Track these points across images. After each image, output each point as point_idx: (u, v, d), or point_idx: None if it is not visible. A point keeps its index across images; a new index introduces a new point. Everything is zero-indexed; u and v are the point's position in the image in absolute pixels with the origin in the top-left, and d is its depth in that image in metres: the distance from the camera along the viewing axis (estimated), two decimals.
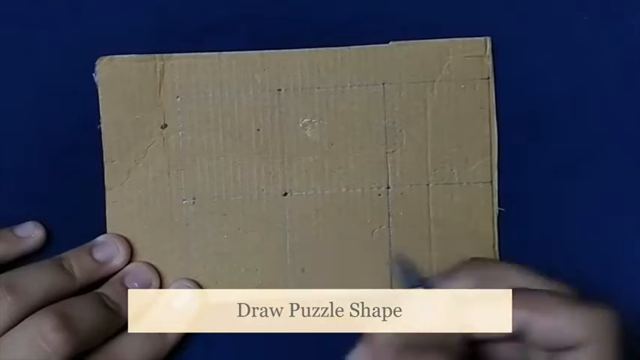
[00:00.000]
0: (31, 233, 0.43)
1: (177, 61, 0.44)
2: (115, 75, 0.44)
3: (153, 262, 0.44)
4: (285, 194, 0.45)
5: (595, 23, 0.45)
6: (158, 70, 0.44)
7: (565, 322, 0.35)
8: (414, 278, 0.40)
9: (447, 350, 0.34)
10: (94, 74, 0.44)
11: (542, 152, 0.45)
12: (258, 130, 0.44)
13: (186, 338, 0.44)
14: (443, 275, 0.38)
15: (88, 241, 0.44)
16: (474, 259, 0.39)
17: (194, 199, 0.44)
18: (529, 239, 0.46)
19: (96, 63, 0.44)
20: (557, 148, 0.45)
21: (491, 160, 0.45)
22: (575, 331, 0.35)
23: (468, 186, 0.45)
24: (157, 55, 0.44)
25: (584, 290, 0.45)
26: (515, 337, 0.35)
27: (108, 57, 0.44)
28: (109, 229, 0.44)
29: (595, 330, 0.35)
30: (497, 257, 0.45)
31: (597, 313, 0.35)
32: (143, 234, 0.44)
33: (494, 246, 0.45)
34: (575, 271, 0.46)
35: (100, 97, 0.44)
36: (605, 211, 0.46)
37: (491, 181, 0.45)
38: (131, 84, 0.44)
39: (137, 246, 0.44)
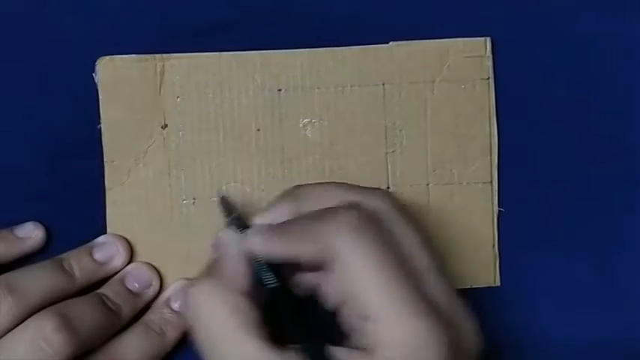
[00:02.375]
0: (31, 234, 0.43)
1: (178, 61, 0.44)
2: (115, 75, 0.44)
3: (153, 263, 0.44)
4: None
5: (595, 23, 0.45)
6: (158, 70, 0.44)
7: (308, 242, 0.35)
8: (234, 217, 0.39)
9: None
10: (94, 74, 0.44)
11: (542, 152, 0.45)
12: (259, 130, 0.44)
13: (186, 338, 0.44)
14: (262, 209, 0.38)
15: (88, 241, 0.44)
16: (295, 187, 0.39)
17: (194, 199, 0.44)
18: (529, 239, 0.46)
19: (96, 63, 0.44)
20: (557, 148, 0.45)
21: (491, 160, 0.45)
22: (316, 246, 0.35)
23: (468, 186, 0.45)
24: (157, 55, 0.44)
25: (583, 290, 0.46)
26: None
27: (108, 57, 0.44)
28: (109, 229, 0.44)
29: (331, 236, 0.34)
30: (497, 257, 0.45)
31: (331, 219, 0.35)
32: (143, 234, 0.44)
33: (493, 246, 0.45)
34: (574, 271, 0.46)
35: (100, 97, 0.44)
36: (605, 210, 0.46)
37: (491, 182, 0.45)
38: (131, 84, 0.44)
39: (137, 246, 0.44)
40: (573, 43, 0.45)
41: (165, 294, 0.44)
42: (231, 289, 0.36)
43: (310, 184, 0.39)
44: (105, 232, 0.44)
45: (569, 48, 0.45)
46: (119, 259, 0.43)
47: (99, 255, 0.43)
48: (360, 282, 0.34)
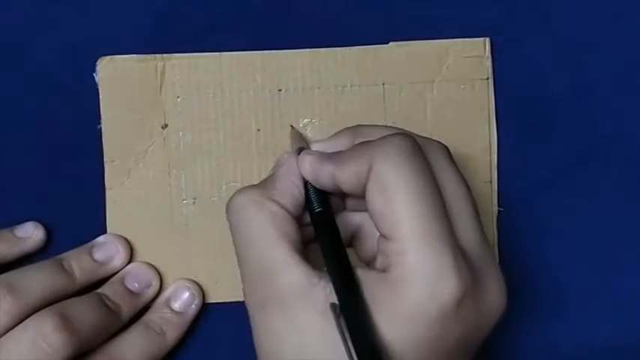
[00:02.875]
0: (31, 233, 0.43)
1: (178, 61, 0.44)
2: (116, 75, 0.44)
3: (153, 262, 0.44)
4: None
5: (595, 23, 0.45)
6: (159, 70, 0.44)
7: (352, 163, 0.36)
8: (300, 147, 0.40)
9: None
10: (94, 74, 0.44)
11: (542, 152, 0.46)
12: (259, 130, 0.44)
13: (186, 338, 0.44)
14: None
15: (88, 241, 0.44)
16: (357, 125, 0.39)
17: (194, 199, 0.44)
18: (529, 239, 0.46)
19: (97, 63, 0.44)
20: (557, 147, 0.46)
21: (490, 160, 0.45)
22: (361, 166, 0.35)
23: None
24: (157, 55, 0.44)
25: (584, 291, 0.46)
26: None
27: (108, 57, 0.44)
28: (109, 229, 0.44)
29: (373, 156, 0.35)
30: (497, 257, 0.45)
31: (376, 142, 0.35)
32: (143, 234, 0.44)
33: (493, 246, 0.45)
34: (574, 271, 0.46)
35: (100, 97, 0.44)
36: (605, 210, 0.46)
37: (491, 181, 0.45)
38: (132, 84, 0.44)
39: (137, 246, 0.44)
40: (573, 43, 0.45)
41: (165, 294, 0.44)
42: (280, 203, 0.36)
43: (372, 124, 0.39)
44: (105, 232, 0.44)
45: (569, 48, 0.45)
46: (119, 259, 0.43)
47: (99, 255, 0.43)
48: (395, 203, 0.34)
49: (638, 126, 0.46)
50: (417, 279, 0.33)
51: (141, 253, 0.44)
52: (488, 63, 0.45)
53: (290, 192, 0.37)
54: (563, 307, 0.46)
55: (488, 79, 0.45)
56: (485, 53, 0.44)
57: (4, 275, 0.41)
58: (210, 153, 0.44)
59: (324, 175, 0.37)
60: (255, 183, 0.43)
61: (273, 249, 0.35)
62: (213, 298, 0.45)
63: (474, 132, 0.45)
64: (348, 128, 0.39)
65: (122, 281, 0.43)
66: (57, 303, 0.40)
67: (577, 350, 0.46)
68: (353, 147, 0.37)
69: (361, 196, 0.36)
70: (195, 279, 0.44)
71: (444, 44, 0.44)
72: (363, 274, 0.34)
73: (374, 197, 0.34)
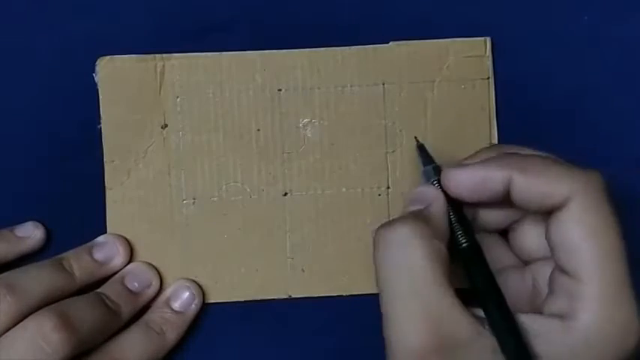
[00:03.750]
0: (31, 233, 0.43)
1: (178, 61, 0.44)
2: (116, 75, 0.44)
3: (153, 262, 0.44)
4: (285, 194, 0.45)
5: (595, 23, 0.45)
6: (158, 70, 0.44)
7: (546, 179, 0.35)
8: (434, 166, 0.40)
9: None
10: (94, 74, 0.44)
11: (542, 151, 0.45)
12: (259, 130, 0.44)
13: (186, 338, 0.44)
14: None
15: (88, 241, 0.44)
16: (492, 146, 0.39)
17: (194, 199, 0.44)
18: None
19: (96, 63, 0.44)
20: (557, 148, 0.45)
21: None
22: (558, 186, 0.34)
23: None
24: (157, 55, 0.44)
25: None
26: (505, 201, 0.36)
27: (108, 57, 0.44)
28: (109, 229, 0.44)
29: (578, 183, 0.34)
30: None
31: (579, 171, 0.35)
32: (143, 234, 0.44)
33: None
34: None
35: (100, 97, 0.44)
36: None
37: None
38: (131, 84, 0.44)
39: (137, 246, 0.44)
40: (574, 42, 0.45)
41: (166, 293, 0.44)
42: (436, 236, 0.35)
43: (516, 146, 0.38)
44: (105, 232, 0.44)
45: (570, 48, 0.45)
46: (119, 258, 0.43)
47: (99, 255, 0.43)
48: (588, 238, 0.33)
49: (638, 126, 0.46)
50: (610, 330, 0.32)
51: (141, 252, 0.44)
52: (489, 63, 0.44)
53: (444, 227, 0.36)
54: None
55: (488, 78, 0.44)
56: (485, 53, 0.44)
57: (3, 275, 0.41)
58: (210, 153, 0.44)
59: (498, 182, 0.35)
60: (255, 182, 0.44)
61: (441, 293, 0.34)
62: (213, 298, 0.45)
63: (474, 132, 0.45)
64: (493, 147, 0.38)
65: (122, 281, 0.43)
66: (56, 303, 0.40)
67: None
68: (543, 161, 0.36)
69: (518, 211, 0.36)
70: (195, 279, 0.44)
71: (445, 44, 0.44)
72: (531, 321, 0.33)
73: (569, 230, 0.34)
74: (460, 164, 0.38)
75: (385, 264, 0.35)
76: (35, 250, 0.44)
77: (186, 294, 0.44)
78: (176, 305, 0.44)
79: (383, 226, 0.36)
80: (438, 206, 0.37)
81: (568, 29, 0.45)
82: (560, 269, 0.35)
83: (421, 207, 0.37)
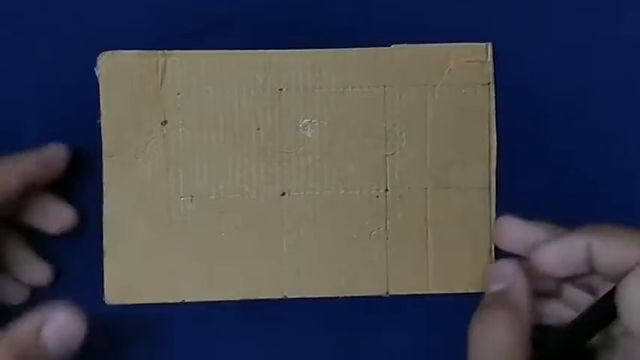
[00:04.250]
0: (57, 152, 0.42)
1: (179, 57, 0.44)
2: (117, 70, 0.44)
3: (149, 259, 0.44)
4: (284, 194, 0.44)
5: (597, 29, 0.45)
6: (160, 66, 0.44)
7: (623, 241, 0.36)
8: None
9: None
10: (95, 69, 0.44)
11: (542, 159, 0.45)
12: (258, 129, 0.44)
13: (187, 338, 0.44)
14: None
15: (86, 234, 0.44)
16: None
17: (192, 196, 0.44)
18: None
19: (97, 58, 0.44)
20: (557, 154, 0.45)
21: (489, 165, 0.45)
22: (633, 247, 0.36)
23: (466, 190, 0.45)
24: (158, 52, 0.44)
25: None
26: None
27: (110, 52, 0.44)
28: (105, 224, 0.44)
29: None
30: (494, 261, 0.45)
31: None
32: (141, 230, 0.44)
33: (490, 251, 0.45)
34: None
35: (100, 91, 0.44)
36: (606, 219, 0.46)
37: (489, 187, 0.45)
38: (132, 80, 0.44)
39: (133, 242, 0.44)
40: (575, 49, 0.45)
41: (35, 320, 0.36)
42: (525, 322, 0.37)
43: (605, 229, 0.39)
44: (102, 227, 0.44)
45: (571, 54, 0.45)
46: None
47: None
48: None
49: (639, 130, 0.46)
50: None
51: (137, 249, 0.44)
52: (490, 68, 0.44)
53: (527, 307, 0.38)
54: None
55: (489, 84, 0.44)
56: (487, 58, 0.44)
57: None
58: (210, 151, 0.44)
59: (581, 249, 0.37)
60: (254, 181, 0.44)
61: None
62: (209, 296, 0.44)
63: (474, 137, 0.45)
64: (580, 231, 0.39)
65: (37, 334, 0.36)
66: None
67: None
68: (616, 227, 0.37)
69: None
70: (192, 276, 0.44)
71: (446, 48, 0.44)
72: None
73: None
74: (543, 243, 0.39)
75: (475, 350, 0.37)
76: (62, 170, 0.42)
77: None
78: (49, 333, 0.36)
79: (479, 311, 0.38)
80: (517, 287, 0.39)
81: (570, 35, 0.45)
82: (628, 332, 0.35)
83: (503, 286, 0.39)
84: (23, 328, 0.36)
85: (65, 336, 0.36)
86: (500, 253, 0.45)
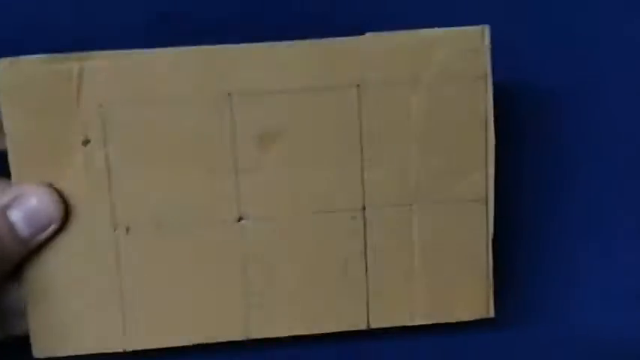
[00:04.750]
0: None
1: (100, 61, 0.35)
2: (20, 80, 0.35)
3: (77, 300, 0.37)
4: (240, 219, 0.37)
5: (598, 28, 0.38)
6: (75, 73, 0.35)
7: None
8: None
9: None
10: None
11: (544, 163, 0.38)
12: (205, 143, 0.36)
13: None
14: None
15: None
16: None
17: (127, 228, 0.36)
18: (526, 265, 0.39)
19: None
20: (560, 161, 0.39)
21: (486, 174, 0.37)
22: None
23: (459, 205, 0.37)
24: (73, 55, 0.35)
25: (585, 322, 0.41)
26: None
27: (10, 58, 0.34)
28: (24, 272, 0.36)
29: None
30: (492, 287, 0.38)
31: None
32: (65, 270, 0.36)
33: (488, 275, 0.38)
34: (575, 300, 0.40)
35: (2, 108, 0.35)
36: (610, 237, 0.40)
37: (486, 199, 0.37)
38: (42, 91, 0.35)
39: (58, 284, 0.36)
40: (581, 41, 0.38)
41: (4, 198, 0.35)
42: None
43: None
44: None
45: (577, 48, 0.38)
46: None
47: None
48: None
49: None
50: None
51: (64, 296, 0.36)
52: (487, 57, 0.36)
53: None
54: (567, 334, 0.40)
55: (485, 76, 0.36)
56: (483, 45, 0.36)
57: None
58: (145, 172, 0.36)
59: None
60: (200, 204, 0.36)
61: None
62: (155, 343, 0.37)
63: (467, 141, 0.37)
64: None
65: (4, 212, 0.35)
66: None
67: None
68: None
69: None
70: (133, 323, 0.37)
71: (433, 35, 0.36)
72: None
73: None
74: None
75: None
76: None
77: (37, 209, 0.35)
78: (16, 215, 0.35)
79: None
80: None
81: (575, 27, 0.38)
82: None
83: None
84: None
85: (34, 217, 0.35)
86: (499, 277, 0.38)
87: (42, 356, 0.37)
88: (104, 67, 0.35)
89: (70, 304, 0.37)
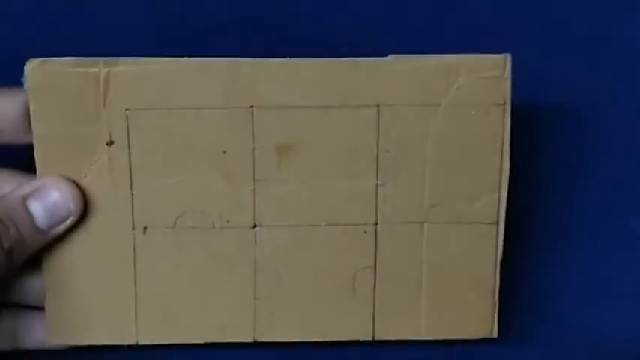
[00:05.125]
0: None
1: (127, 67, 0.36)
2: (49, 81, 0.35)
3: (94, 296, 0.38)
4: (254, 227, 0.38)
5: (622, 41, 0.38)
6: (102, 77, 0.36)
7: None
8: None
9: None
10: (23, 79, 0.35)
11: (557, 187, 0.39)
12: (225, 152, 0.37)
13: None
14: None
15: None
16: None
17: (145, 228, 0.37)
18: (531, 284, 0.40)
19: (25, 67, 0.35)
20: (574, 187, 0.39)
21: (499, 197, 0.38)
22: None
23: (470, 226, 0.38)
24: (101, 59, 0.35)
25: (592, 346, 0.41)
26: None
27: (39, 60, 0.35)
28: (45, 258, 0.37)
29: None
30: (497, 306, 0.39)
31: None
32: (85, 267, 0.37)
33: (494, 295, 0.39)
34: (581, 325, 0.41)
35: (31, 107, 0.36)
36: (623, 257, 0.40)
37: (497, 222, 0.38)
38: (69, 93, 0.36)
39: (77, 280, 0.38)
40: (597, 67, 0.38)
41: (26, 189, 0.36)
42: None
43: None
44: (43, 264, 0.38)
45: (592, 72, 0.38)
46: None
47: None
48: None
49: None
50: None
51: (82, 288, 0.38)
52: (507, 85, 0.37)
53: None
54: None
55: (504, 104, 0.37)
56: (504, 73, 0.36)
57: None
58: (165, 176, 0.37)
59: None
60: (218, 212, 0.37)
61: None
62: (167, 339, 0.39)
63: (482, 165, 0.37)
64: None
65: (24, 202, 0.36)
66: None
67: None
68: None
69: None
70: (146, 321, 0.38)
71: (455, 61, 0.36)
72: None
73: None
74: None
75: None
76: None
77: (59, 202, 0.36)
78: (38, 212, 0.36)
79: None
80: None
81: (590, 45, 0.38)
82: None
83: None
84: (10, 193, 0.36)
85: (54, 209, 0.36)
86: (505, 297, 0.39)
87: (56, 342, 0.39)
88: (131, 73, 0.36)
89: (87, 296, 0.38)
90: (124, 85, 0.36)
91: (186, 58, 0.36)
